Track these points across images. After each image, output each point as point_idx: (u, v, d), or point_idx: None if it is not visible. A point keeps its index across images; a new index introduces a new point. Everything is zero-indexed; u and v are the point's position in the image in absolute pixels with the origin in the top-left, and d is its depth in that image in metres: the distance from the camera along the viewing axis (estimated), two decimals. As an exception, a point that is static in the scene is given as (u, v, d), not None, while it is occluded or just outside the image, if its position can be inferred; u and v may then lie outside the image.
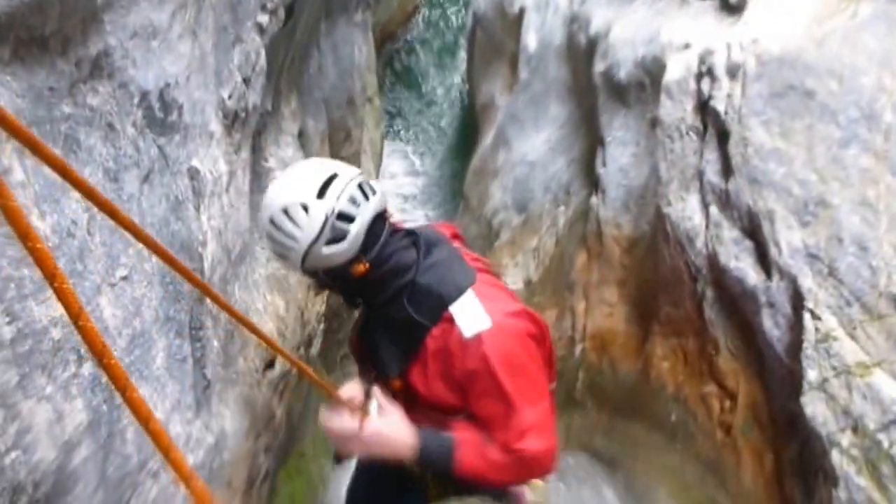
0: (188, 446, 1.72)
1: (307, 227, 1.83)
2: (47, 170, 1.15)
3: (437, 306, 1.89)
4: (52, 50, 1.19)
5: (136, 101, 1.50)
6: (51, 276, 0.75)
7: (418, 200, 8.18)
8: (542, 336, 1.97)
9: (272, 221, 1.88)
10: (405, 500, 2.16)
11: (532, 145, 5.80)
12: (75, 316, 0.76)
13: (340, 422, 1.82)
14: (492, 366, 1.78)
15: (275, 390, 2.66)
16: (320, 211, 1.83)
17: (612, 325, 3.98)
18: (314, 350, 3.40)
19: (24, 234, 0.73)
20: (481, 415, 1.83)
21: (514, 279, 5.09)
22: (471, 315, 1.84)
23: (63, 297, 0.75)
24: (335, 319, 4.16)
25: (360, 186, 1.91)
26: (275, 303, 2.72)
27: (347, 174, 1.91)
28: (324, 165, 1.96)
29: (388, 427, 1.82)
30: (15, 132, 0.76)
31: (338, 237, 1.85)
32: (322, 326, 3.51)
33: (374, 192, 1.93)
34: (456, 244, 2.13)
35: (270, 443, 2.62)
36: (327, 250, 1.85)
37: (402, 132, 9.99)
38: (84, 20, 1.27)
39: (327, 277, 1.96)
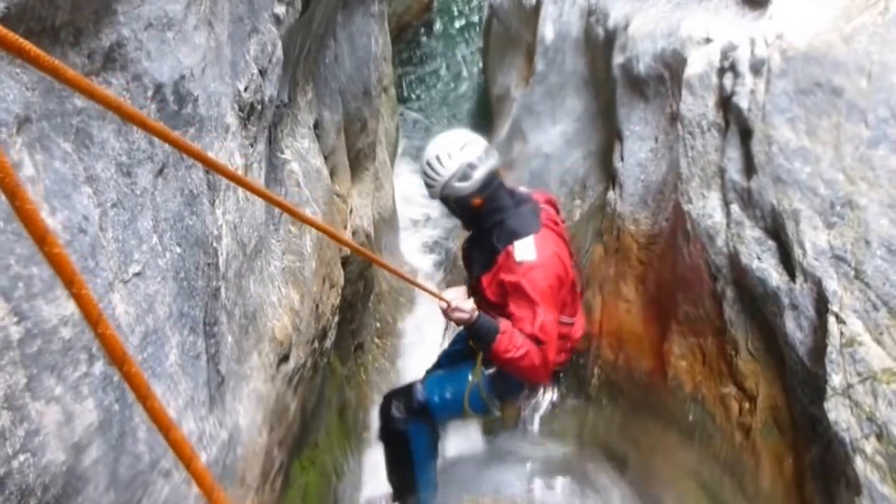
0: (202, 443, 1.70)
1: (448, 168, 3.00)
2: (58, 164, 1.13)
3: (508, 240, 2.95)
4: (64, 41, 1.16)
5: (150, 93, 1.47)
6: (69, 283, 0.71)
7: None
8: (566, 278, 3.03)
9: (428, 163, 3.05)
10: (463, 363, 3.32)
11: (548, 137, 5.73)
12: (94, 323, 0.74)
13: (443, 306, 2.94)
14: (526, 283, 2.85)
15: (289, 384, 2.64)
16: (458, 159, 3.00)
17: (628, 321, 3.93)
18: (328, 342, 3.37)
19: (41, 239, 0.69)
20: (514, 311, 2.89)
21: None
22: (525, 250, 2.90)
23: (82, 303, 0.73)
24: (349, 311, 4.13)
25: (486, 149, 3.07)
26: (290, 296, 2.69)
27: (480, 141, 3.10)
28: (466, 134, 3.18)
29: (462, 308, 2.90)
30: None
31: (465, 177, 3.00)
32: (336, 319, 3.48)
33: (493, 157, 3.09)
34: (544, 206, 3.20)
35: (284, 437, 2.61)
36: (457, 184, 3.01)
37: (417, 122, 9.92)
38: (97, 11, 1.24)
39: (455, 204, 3.11)
